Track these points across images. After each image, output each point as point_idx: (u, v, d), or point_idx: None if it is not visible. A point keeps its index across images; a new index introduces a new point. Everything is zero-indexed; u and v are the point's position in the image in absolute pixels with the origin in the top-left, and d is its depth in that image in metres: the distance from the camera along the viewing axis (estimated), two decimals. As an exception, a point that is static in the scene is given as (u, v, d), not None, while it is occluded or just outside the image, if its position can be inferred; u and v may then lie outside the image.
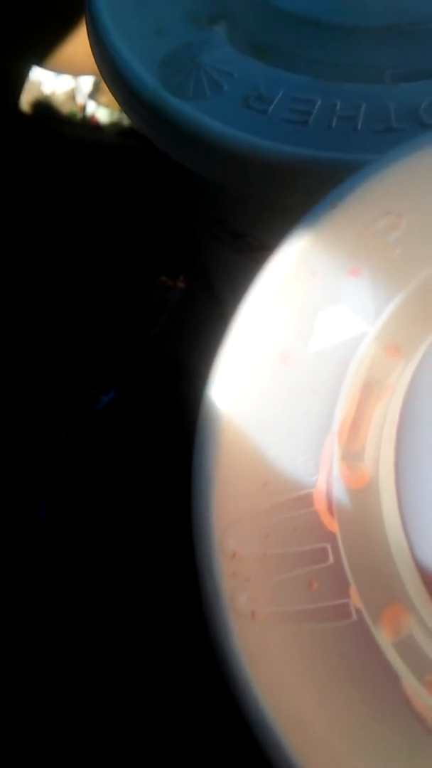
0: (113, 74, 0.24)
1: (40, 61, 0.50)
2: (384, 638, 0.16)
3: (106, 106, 0.52)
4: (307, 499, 0.17)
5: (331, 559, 0.16)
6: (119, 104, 0.25)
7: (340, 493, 0.17)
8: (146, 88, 0.23)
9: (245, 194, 0.23)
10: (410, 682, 0.15)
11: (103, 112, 0.52)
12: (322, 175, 0.21)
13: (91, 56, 0.26)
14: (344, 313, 0.18)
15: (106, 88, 0.49)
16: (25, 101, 0.52)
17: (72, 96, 0.52)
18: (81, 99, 0.52)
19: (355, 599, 0.16)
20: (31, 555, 0.35)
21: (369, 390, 0.18)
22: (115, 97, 0.25)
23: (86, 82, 0.52)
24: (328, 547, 0.16)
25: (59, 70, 0.51)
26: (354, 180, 0.18)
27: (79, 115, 0.52)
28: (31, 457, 0.38)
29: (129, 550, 0.34)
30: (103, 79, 0.25)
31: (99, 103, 0.52)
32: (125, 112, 0.25)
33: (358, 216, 0.18)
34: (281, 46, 0.23)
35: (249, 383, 0.18)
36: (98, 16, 0.24)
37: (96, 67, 0.26)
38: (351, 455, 0.17)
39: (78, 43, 0.49)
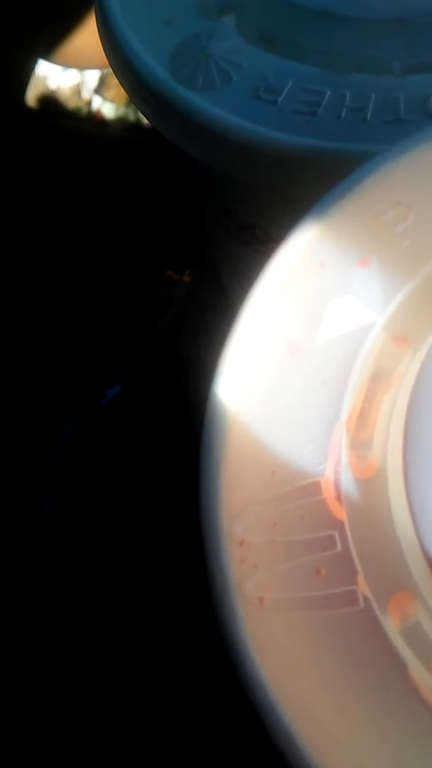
0: (123, 65, 0.24)
1: (46, 55, 0.50)
2: (391, 625, 0.16)
3: (112, 101, 0.52)
4: (315, 488, 0.17)
5: (339, 547, 0.16)
6: (129, 95, 0.25)
7: (348, 481, 0.17)
8: (156, 78, 0.23)
9: (254, 185, 0.23)
10: (417, 670, 0.15)
11: (108, 107, 0.52)
12: (330, 166, 0.21)
13: (97, 51, 0.26)
14: (352, 304, 0.18)
15: (112, 83, 0.49)
16: (31, 96, 0.52)
17: (78, 91, 0.52)
18: (87, 94, 0.52)
19: (363, 587, 0.16)
20: (35, 548, 0.35)
21: (377, 380, 0.18)
22: (124, 88, 0.25)
23: (92, 77, 0.52)
24: (336, 534, 0.16)
25: (65, 65, 0.51)
26: (363, 171, 0.18)
27: (85, 110, 0.52)
28: (35, 450, 0.38)
29: (134, 542, 0.35)
30: (113, 70, 0.25)
31: (105, 98, 0.52)
32: (134, 103, 0.25)
33: (366, 207, 0.18)
34: (290, 37, 0.23)
35: (257, 373, 0.18)
36: (107, 7, 0.24)
37: (102, 62, 0.26)
38: (359, 444, 0.17)
39: (84, 38, 0.49)
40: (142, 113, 0.25)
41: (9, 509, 0.37)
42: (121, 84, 0.25)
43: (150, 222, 0.44)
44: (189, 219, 0.40)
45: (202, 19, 0.24)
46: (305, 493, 0.17)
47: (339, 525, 0.16)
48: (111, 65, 0.25)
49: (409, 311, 0.18)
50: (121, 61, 0.24)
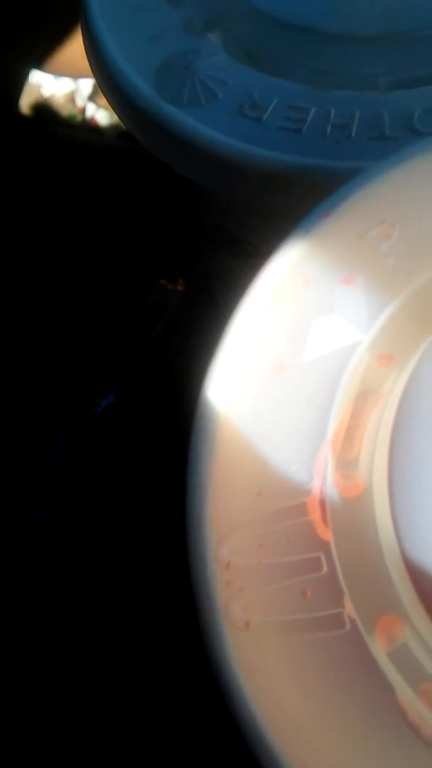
0: (108, 81, 0.24)
1: (40, 63, 0.50)
2: (378, 648, 0.16)
3: (106, 108, 0.51)
4: (301, 509, 0.17)
5: (325, 569, 0.16)
6: (114, 111, 0.25)
7: (334, 501, 0.17)
8: (141, 95, 0.23)
9: (240, 201, 0.23)
10: (404, 692, 0.15)
11: (102, 115, 0.52)
12: (315, 183, 0.20)
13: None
14: (338, 322, 0.18)
15: (105, 91, 0.49)
16: (25, 104, 0.52)
17: (72, 98, 0.52)
18: (81, 101, 0.52)
19: (349, 609, 0.16)
20: (30, 557, 0.35)
21: (363, 399, 0.18)
22: (110, 104, 0.25)
23: (86, 85, 0.52)
24: (322, 556, 0.16)
25: (59, 73, 0.51)
26: (347, 188, 0.18)
27: (79, 118, 0.52)
28: (29, 460, 0.38)
29: (126, 555, 0.35)
30: (99, 86, 0.25)
31: (99, 106, 0.52)
32: (120, 119, 0.25)
33: (351, 225, 0.18)
34: (276, 53, 0.23)
35: (243, 392, 0.18)
36: (93, 23, 0.24)
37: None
38: (345, 464, 0.17)
39: (77, 46, 0.49)
40: (128, 129, 0.25)
41: (3, 518, 0.36)
42: (107, 100, 0.25)
43: (144, 230, 0.44)
44: (183, 227, 0.40)
45: (187, 35, 0.24)
46: (291, 513, 0.17)
47: (325, 546, 0.16)
48: (97, 81, 0.25)
49: (394, 330, 0.18)
50: (107, 77, 0.24)
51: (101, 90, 0.25)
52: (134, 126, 0.24)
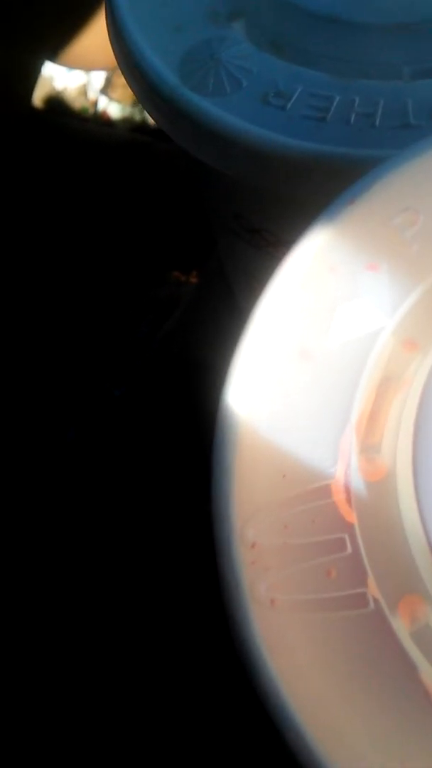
0: (133, 71, 0.24)
1: (53, 56, 0.50)
2: (401, 627, 0.16)
3: (118, 101, 0.52)
4: (325, 491, 0.17)
5: (349, 549, 0.16)
6: (139, 101, 0.25)
7: (358, 484, 0.17)
8: (166, 84, 0.23)
9: (263, 190, 0.23)
10: (427, 672, 0.16)
11: (114, 108, 0.52)
12: (339, 171, 0.21)
13: (103, 51, 0.26)
14: (362, 308, 0.18)
15: (118, 84, 0.49)
16: (38, 97, 0.52)
17: (84, 91, 0.53)
18: (93, 94, 0.52)
19: (373, 589, 0.16)
20: (44, 549, 0.36)
21: (387, 384, 0.18)
22: (134, 94, 0.25)
23: (98, 78, 0.52)
24: (346, 537, 0.17)
25: (71, 66, 0.51)
26: (372, 176, 0.18)
27: (91, 111, 0.52)
28: (42, 451, 0.38)
29: (142, 544, 0.35)
30: (123, 75, 0.25)
31: (111, 99, 0.52)
32: (145, 108, 0.25)
33: (376, 212, 0.18)
34: (300, 42, 0.23)
35: (268, 377, 0.18)
36: (119, 13, 0.25)
37: (108, 62, 0.26)
38: (369, 448, 0.17)
39: (90, 39, 0.49)
40: (153, 119, 0.25)
41: (16, 508, 0.37)
42: (132, 89, 0.25)
43: (157, 222, 0.44)
44: (196, 219, 0.40)
45: (212, 25, 0.24)
46: (316, 495, 0.17)
47: (349, 527, 0.17)
48: (122, 71, 0.25)
49: (419, 315, 0.18)
50: (132, 66, 0.24)
51: (126, 79, 0.25)
52: (159, 115, 0.24)
